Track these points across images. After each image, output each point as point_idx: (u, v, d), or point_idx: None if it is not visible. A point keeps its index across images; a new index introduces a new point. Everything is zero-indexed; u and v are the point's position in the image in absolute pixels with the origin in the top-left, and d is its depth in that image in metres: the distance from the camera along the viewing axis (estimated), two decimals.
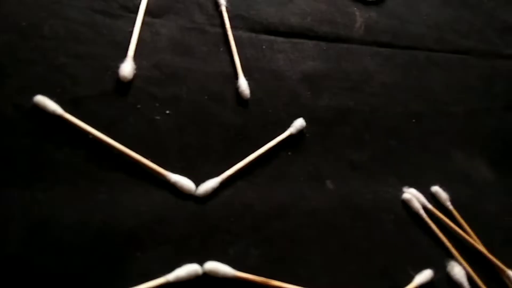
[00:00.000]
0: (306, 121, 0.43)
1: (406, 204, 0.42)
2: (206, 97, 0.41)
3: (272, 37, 0.48)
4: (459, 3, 0.60)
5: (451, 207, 0.43)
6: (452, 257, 0.40)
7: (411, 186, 0.43)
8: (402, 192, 0.43)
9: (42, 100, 0.34)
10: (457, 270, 0.39)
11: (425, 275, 0.38)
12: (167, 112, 0.39)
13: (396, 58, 0.52)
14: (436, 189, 0.43)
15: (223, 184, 0.37)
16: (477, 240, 0.41)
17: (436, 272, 0.39)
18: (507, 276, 0.40)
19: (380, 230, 0.40)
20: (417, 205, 0.42)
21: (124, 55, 0.39)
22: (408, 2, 0.58)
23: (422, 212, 0.41)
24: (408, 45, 0.54)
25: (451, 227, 0.41)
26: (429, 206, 0.42)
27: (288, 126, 0.42)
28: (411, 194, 0.42)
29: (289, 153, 0.41)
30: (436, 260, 0.40)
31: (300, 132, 0.42)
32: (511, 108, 0.54)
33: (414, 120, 0.49)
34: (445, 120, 0.50)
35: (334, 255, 0.37)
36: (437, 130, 0.49)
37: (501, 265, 0.40)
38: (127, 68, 0.38)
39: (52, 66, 0.36)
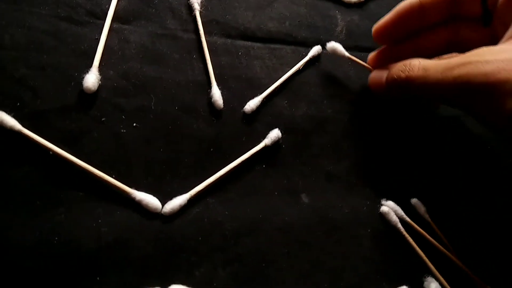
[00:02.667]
0: (282, 131, 0.42)
1: (383, 218, 0.41)
2: (176, 108, 0.39)
3: (249, 43, 0.46)
4: None
5: (429, 219, 0.42)
6: (429, 272, 0.39)
7: (388, 197, 0.42)
8: (380, 205, 0.42)
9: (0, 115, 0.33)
10: (434, 286, 0.38)
11: None
12: (134, 124, 0.37)
13: None
14: (415, 201, 0.42)
15: (191, 200, 0.36)
16: (455, 254, 0.40)
17: None
18: None
19: (356, 245, 0.39)
20: (394, 219, 0.41)
21: (89, 65, 0.37)
22: (392, 4, 0.55)
23: (399, 225, 0.40)
24: None
25: (429, 241, 0.40)
26: (407, 219, 0.41)
27: (263, 137, 0.41)
28: (389, 207, 0.41)
29: (263, 166, 0.40)
30: (413, 276, 0.39)
31: (276, 144, 0.41)
32: None
33: (395, 128, 0.47)
34: (430, 127, 0.49)
35: (307, 273, 0.36)
36: (421, 138, 0.48)
37: (479, 280, 0.39)
38: (91, 79, 0.36)
39: (11, 78, 0.35)
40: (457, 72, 0.33)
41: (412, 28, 0.43)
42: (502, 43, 0.35)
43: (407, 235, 0.40)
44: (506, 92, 0.30)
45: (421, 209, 0.42)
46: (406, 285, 0.38)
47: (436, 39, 0.43)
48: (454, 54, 0.41)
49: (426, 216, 0.42)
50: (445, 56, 0.41)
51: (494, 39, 0.38)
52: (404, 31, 0.43)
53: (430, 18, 0.42)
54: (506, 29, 0.36)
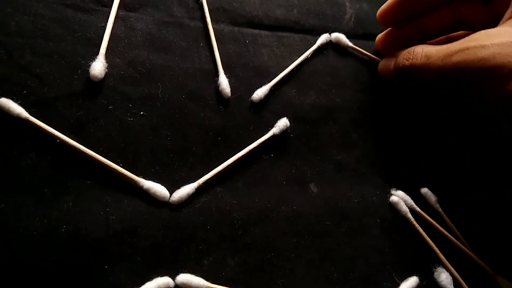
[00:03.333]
0: (290, 120, 0.41)
1: (393, 207, 0.40)
2: (183, 96, 0.39)
3: (256, 31, 0.45)
4: None
5: (440, 209, 0.41)
6: (439, 263, 0.39)
7: (399, 187, 0.42)
8: (390, 195, 0.41)
9: (6, 102, 0.32)
10: (444, 277, 0.38)
11: (411, 282, 0.37)
12: (141, 113, 0.37)
13: None
14: (425, 191, 0.42)
15: (199, 189, 0.35)
16: (466, 244, 0.40)
17: (422, 279, 0.37)
18: (496, 282, 0.39)
19: (365, 235, 0.39)
20: (404, 208, 0.40)
21: (96, 53, 0.37)
22: None
23: (409, 215, 0.40)
24: None
25: (440, 231, 0.40)
26: (417, 209, 0.40)
27: (271, 126, 0.40)
28: (399, 197, 0.41)
29: (272, 155, 0.40)
30: (423, 266, 0.38)
31: (284, 133, 0.41)
32: None
33: (405, 117, 0.47)
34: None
35: (316, 263, 0.36)
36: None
37: (490, 271, 0.39)
38: (98, 67, 0.36)
39: (17, 66, 0.34)
40: (456, 58, 0.34)
41: (415, 10, 0.43)
42: (500, 25, 0.35)
43: (417, 225, 0.40)
44: (504, 76, 0.31)
45: (432, 199, 0.41)
46: (416, 275, 0.37)
47: (439, 20, 0.43)
48: (461, 32, 0.41)
49: (437, 206, 0.41)
50: (453, 34, 0.42)
51: (497, 17, 0.38)
52: (407, 13, 0.44)
53: None
54: (507, 7, 0.36)
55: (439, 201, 0.42)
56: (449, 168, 0.45)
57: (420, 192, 0.42)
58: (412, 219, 0.40)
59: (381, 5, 0.52)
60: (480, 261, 0.39)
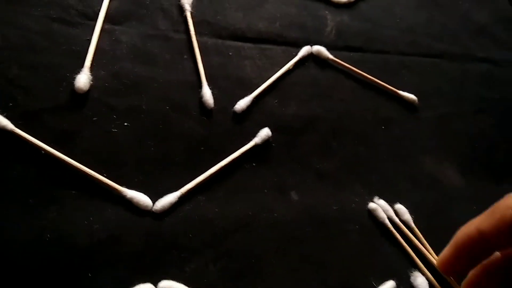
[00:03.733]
0: (272, 130, 0.42)
1: (371, 214, 0.42)
2: (167, 107, 0.40)
3: (239, 43, 0.47)
4: (433, 5, 0.60)
5: (413, 225, 0.42)
6: (415, 267, 0.40)
7: (378, 194, 0.43)
8: (369, 202, 0.42)
9: None
10: (420, 281, 0.39)
11: (388, 286, 0.38)
12: (125, 124, 0.38)
13: (367, 62, 0.51)
14: (398, 207, 0.43)
15: (182, 198, 0.36)
16: (435, 257, 0.40)
17: (399, 283, 0.39)
18: None
19: (344, 241, 0.40)
20: (382, 215, 0.41)
21: (81, 65, 0.38)
22: (382, 4, 0.57)
23: (387, 221, 0.41)
24: (380, 49, 0.53)
25: (413, 243, 0.41)
26: (395, 218, 0.42)
27: (253, 136, 0.42)
28: (378, 204, 0.42)
29: (254, 164, 0.41)
30: (400, 271, 0.40)
31: (266, 142, 0.42)
32: (482, 112, 0.54)
33: (383, 126, 0.48)
34: (415, 125, 0.50)
35: (296, 268, 0.37)
36: (407, 135, 0.49)
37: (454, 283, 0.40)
38: (82, 79, 0.37)
39: (4, 79, 0.35)
40: None
41: (477, 257, 0.36)
42: None
43: (393, 231, 0.41)
44: None
45: (406, 215, 0.42)
46: (392, 280, 0.39)
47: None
48: None
49: (411, 223, 0.42)
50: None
51: None
52: (469, 261, 0.37)
53: (493, 244, 0.35)
54: None
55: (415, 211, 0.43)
56: (431, 174, 0.46)
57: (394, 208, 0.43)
58: (390, 225, 0.41)
59: (362, 19, 0.54)
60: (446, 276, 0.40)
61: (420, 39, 0.56)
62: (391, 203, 0.43)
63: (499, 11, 0.63)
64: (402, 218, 0.42)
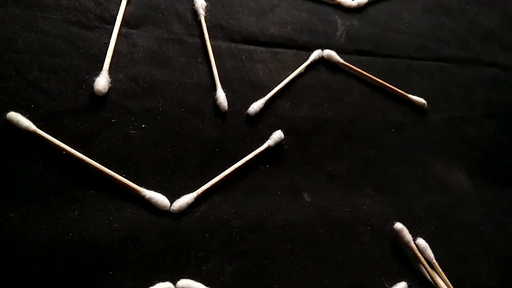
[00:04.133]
0: (284, 133, 0.43)
1: (383, 216, 0.42)
2: (183, 110, 0.41)
3: (252, 47, 0.47)
4: (441, 10, 0.61)
5: (435, 261, 0.41)
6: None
7: (388, 196, 0.44)
8: (379, 203, 0.43)
9: (15, 116, 0.34)
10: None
11: (400, 287, 0.39)
12: (143, 126, 0.38)
13: (377, 66, 0.52)
14: (420, 242, 0.41)
15: (198, 199, 0.37)
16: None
17: (410, 284, 0.39)
18: None
19: (356, 242, 0.40)
20: (408, 237, 0.40)
21: (100, 68, 0.39)
22: (390, 9, 0.58)
23: (412, 244, 0.40)
24: (389, 53, 0.54)
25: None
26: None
27: (266, 138, 0.42)
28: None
29: (267, 166, 0.41)
30: (412, 273, 0.40)
31: (279, 144, 0.43)
32: (490, 116, 0.54)
33: (393, 130, 0.49)
34: (424, 129, 0.50)
35: (309, 269, 0.38)
36: (416, 139, 0.49)
37: None
38: (101, 82, 0.37)
39: (25, 81, 0.36)
40: None
41: None
42: None
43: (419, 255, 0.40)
44: None
45: (426, 251, 0.41)
46: (404, 281, 0.39)
47: None
48: None
49: (411, 244, 0.41)
50: None
51: None
52: None
53: None
54: None
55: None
56: (440, 177, 0.47)
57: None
58: (415, 248, 0.40)
59: (372, 23, 0.54)
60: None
61: (428, 43, 0.57)
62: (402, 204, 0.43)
63: (507, 16, 0.64)
64: (424, 254, 0.41)
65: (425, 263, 0.40)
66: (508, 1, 0.66)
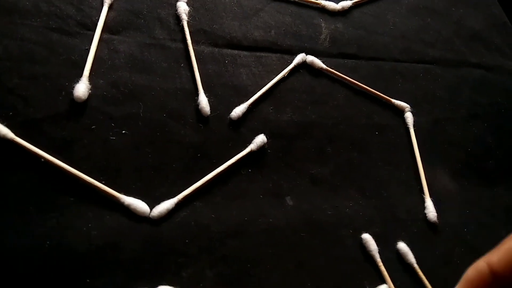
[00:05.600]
0: (268, 136, 0.43)
1: (366, 219, 0.42)
2: (164, 115, 0.41)
3: (235, 51, 0.48)
4: (427, 12, 0.61)
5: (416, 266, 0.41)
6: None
7: (371, 198, 0.44)
8: (363, 206, 0.43)
9: None
10: None
11: None
12: (123, 131, 0.38)
13: (361, 69, 0.52)
14: (401, 246, 0.42)
15: (179, 204, 0.37)
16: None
17: None
18: None
19: (339, 245, 0.41)
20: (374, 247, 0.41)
21: (80, 74, 0.39)
22: (375, 12, 0.58)
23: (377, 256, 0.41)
24: (373, 56, 0.54)
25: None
26: None
27: (249, 142, 0.42)
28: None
29: (249, 170, 0.41)
30: (392, 275, 0.40)
31: (261, 148, 0.43)
32: (475, 117, 0.55)
33: (377, 132, 0.49)
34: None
35: (291, 273, 0.38)
36: (400, 141, 0.50)
37: None
38: (81, 88, 0.37)
39: (4, 88, 0.36)
40: None
41: None
42: None
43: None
44: None
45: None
46: (385, 284, 0.39)
47: None
48: None
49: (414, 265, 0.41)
50: None
51: None
52: None
53: (505, 281, 0.36)
54: None
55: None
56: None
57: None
58: (379, 260, 0.40)
59: (356, 26, 0.55)
60: None
61: (413, 45, 0.57)
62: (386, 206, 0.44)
63: (492, 17, 0.64)
64: (405, 259, 0.41)
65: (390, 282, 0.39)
66: (493, 3, 0.66)
